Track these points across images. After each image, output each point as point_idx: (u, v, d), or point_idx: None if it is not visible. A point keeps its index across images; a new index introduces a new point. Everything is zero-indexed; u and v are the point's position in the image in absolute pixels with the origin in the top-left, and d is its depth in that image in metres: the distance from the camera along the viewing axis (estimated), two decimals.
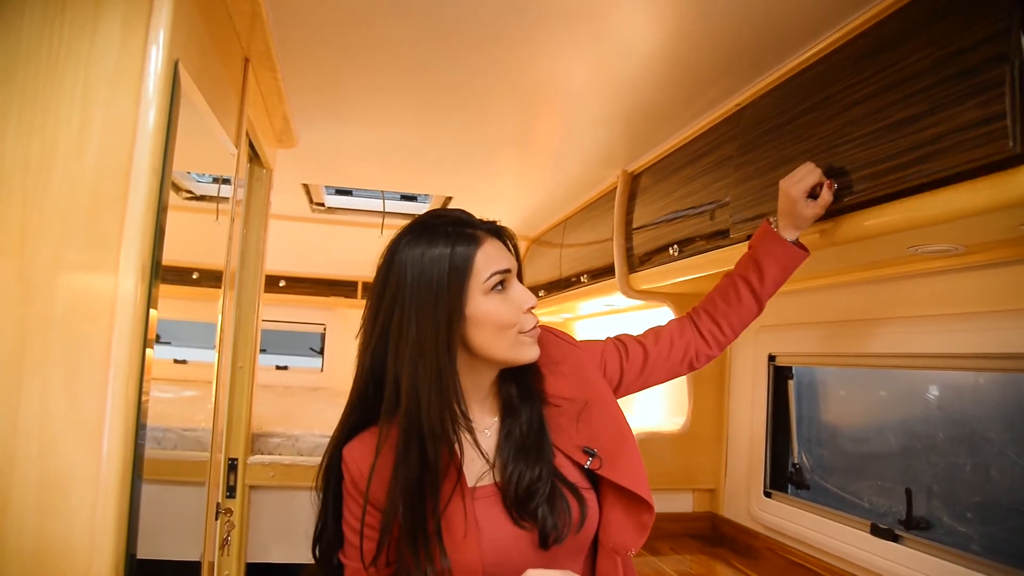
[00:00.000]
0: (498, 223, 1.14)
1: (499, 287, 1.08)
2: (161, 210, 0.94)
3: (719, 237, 1.75)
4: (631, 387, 1.33)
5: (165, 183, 0.95)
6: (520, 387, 1.16)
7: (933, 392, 1.81)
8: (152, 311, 0.93)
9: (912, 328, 1.63)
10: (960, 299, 1.51)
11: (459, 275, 1.05)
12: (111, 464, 0.86)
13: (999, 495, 1.59)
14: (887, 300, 1.73)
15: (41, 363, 0.86)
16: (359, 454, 1.10)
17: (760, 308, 1.40)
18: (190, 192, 3.70)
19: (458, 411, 1.05)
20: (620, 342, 1.35)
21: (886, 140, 1.18)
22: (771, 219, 1.38)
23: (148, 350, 0.92)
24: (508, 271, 1.09)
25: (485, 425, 1.15)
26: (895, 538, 1.64)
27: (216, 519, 1.71)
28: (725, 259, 1.73)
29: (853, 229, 1.29)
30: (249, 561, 2.22)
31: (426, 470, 1.03)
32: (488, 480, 1.11)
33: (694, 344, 1.39)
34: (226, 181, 2.05)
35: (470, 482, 1.09)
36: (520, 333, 1.10)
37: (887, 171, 1.18)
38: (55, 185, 0.89)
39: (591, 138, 2.26)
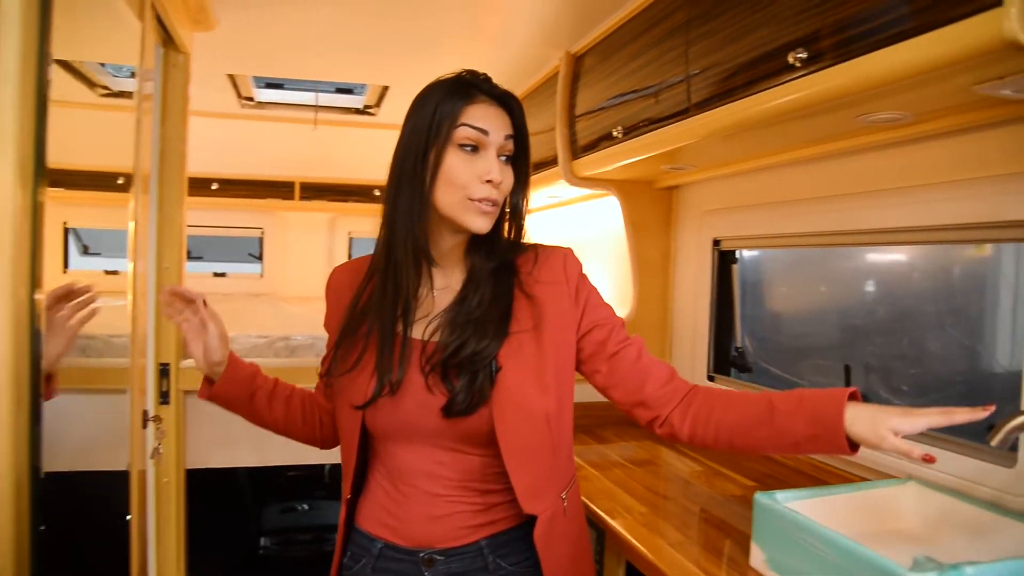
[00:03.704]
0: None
1: (469, 147, 1.11)
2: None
3: (673, 115, 1.66)
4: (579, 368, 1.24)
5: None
6: (492, 263, 1.18)
7: (873, 272, 1.82)
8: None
9: (862, 204, 1.60)
10: (910, 172, 1.48)
11: (440, 121, 1.10)
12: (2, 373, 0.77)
13: (935, 366, 1.62)
14: (835, 177, 1.69)
15: None
16: (340, 276, 1.29)
17: (747, 449, 1.18)
18: (106, 88, 3.42)
19: (421, 244, 1.13)
20: (612, 329, 1.21)
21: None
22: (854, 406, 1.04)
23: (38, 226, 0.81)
24: (485, 133, 1.11)
25: (444, 284, 1.20)
26: None
27: (144, 427, 1.64)
28: (675, 136, 1.66)
29: (812, 95, 1.23)
30: (189, 468, 2.17)
31: (397, 296, 1.15)
32: (418, 334, 1.16)
33: (667, 406, 1.19)
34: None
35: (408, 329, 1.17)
36: (469, 199, 1.11)
37: (856, 36, 1.11)
38: None
39: (532, 14, 2.12)
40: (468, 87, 1.13)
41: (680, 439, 1.18)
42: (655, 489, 1.74)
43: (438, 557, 1.15)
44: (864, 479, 1.57)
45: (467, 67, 1.16)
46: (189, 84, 2.12)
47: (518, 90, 2.83)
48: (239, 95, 3.20)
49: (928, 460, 0.96)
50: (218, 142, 3.62)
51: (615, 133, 1.91)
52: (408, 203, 1.12)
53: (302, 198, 3.97)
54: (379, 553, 1.18)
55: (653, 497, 1.67)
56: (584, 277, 1.22)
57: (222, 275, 4.28)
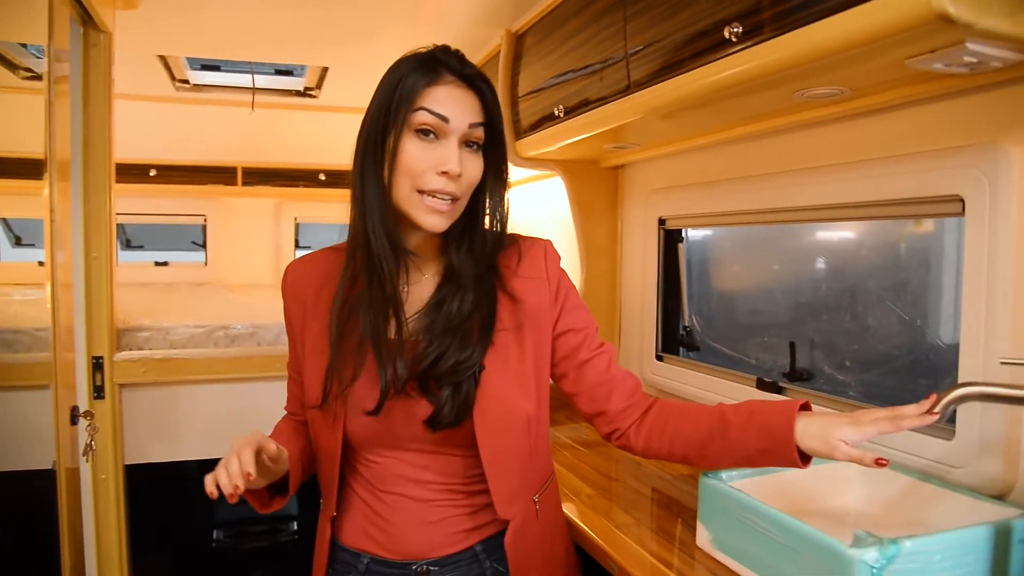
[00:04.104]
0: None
1: (427, 132, 1.02)
2: None
3: (613, 94, 1.63)
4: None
5: None
6: (476, 267, 1.10)
7: (818, 250, 1.83)
8: None
9: (801, 180, 1.60)
10: (848, 148, 1.48)
11: (399, 102, 1.01)
12: None
13: (876, 342, 1.63)
14: (776, 154, 1.69)
15: None
16: (299, 273, 1.18)
17: (702, 463, 1.13)
18: (30, 71, 3.26)
19: (395, 235, 1.04)
20: (588, 335, 1.18)
21: None
22: (807, 413, 1.03)
23: None
24: (444, 120, 1.01)
25: (418, 277, 1.13)
26: (779, 390, 1.67)
27: (74, 423, 1.57)
28: (616, 114, 1.63)
29: (749, 70, 1.20)
30: (128, 463, 2.10)
31: (384, 289, 1.05)
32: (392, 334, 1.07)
33: (628, 421, 1.15)
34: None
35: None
36: (418, 191, 1.02)
37: (791, 9, 1.08)
38: None
39: None
40: (434, 64, 1.03)
41: (635, 452, 1.16)
42: (605, 471, 1.73)
43: (433, 568, 1.10)
44: None
45: (407, 47, 1.06)
46: (113, 65, 2.03)
47: None
48: (173, 77, 3.08)
49: (881, 464, 0.95)
50: (154, 126, 3.50)
51: (557, 112, 1.88)
52: (376, 190, 1.03)
53: (245, 183, 3.85)
54: (366, 569, 1.13)
55: (602, 479, 1.66)
56: (563, 273, 1.19)
57: (164, 264, 4.15)
